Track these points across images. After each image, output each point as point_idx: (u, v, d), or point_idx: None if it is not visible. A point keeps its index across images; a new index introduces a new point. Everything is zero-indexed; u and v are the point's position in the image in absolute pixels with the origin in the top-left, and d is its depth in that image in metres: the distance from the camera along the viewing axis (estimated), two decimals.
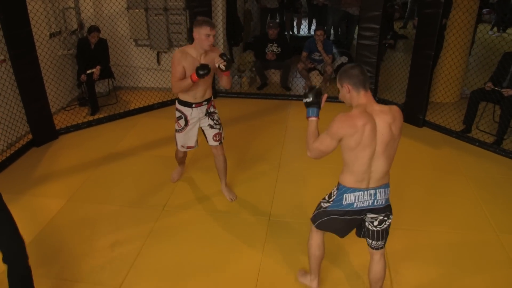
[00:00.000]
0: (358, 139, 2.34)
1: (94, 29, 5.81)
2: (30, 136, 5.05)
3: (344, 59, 7.14)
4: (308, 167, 4.52)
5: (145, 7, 6.30)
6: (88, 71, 5.80)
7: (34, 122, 4.96)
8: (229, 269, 3.18)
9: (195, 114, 3.66)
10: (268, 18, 9.11)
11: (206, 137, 3.82)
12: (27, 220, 3.80)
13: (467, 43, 5.79)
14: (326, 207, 2.61)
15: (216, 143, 3.79)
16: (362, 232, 2.68)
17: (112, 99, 6.43)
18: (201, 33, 3.28)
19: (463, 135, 5.16)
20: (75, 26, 6.26)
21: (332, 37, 8.91)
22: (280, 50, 6.93)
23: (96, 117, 5.81)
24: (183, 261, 3.25)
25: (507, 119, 4.82)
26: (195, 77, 3.31)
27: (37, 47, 4.87)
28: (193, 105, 3.62)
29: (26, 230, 3.62)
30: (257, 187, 4.20)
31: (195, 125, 3.73)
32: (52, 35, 5.75)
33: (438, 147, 5.00)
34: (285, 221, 3.71)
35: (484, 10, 11.18)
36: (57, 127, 5.30)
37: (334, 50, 7.30)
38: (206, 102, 3.68)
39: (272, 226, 3.64)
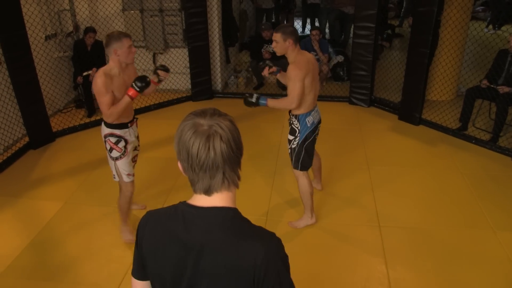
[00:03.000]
0: (311, 75, 3.23)
1: (90, 29, 5.80)
2: (27, 139, 5.04)
3: (340, 58, 7.15)
4: None
5: (140, 9, 6.30)
6: (85, 73, 5.79)
7: (31, 125, 4.95)
8: None
9: (132, 134, 3.28)
10: (264, 18, 9.11)
11: None
12: (24, 223, 3.80)
13: (462, 40, 5.80)
14: (298, 143, 3.40)
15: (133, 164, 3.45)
16: None
17: None
18: (124, 46, 2.96)
19: (460, 132, 5.18)
20: (71, 28, 6.25)
21: (327, 36, 8.92)
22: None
23: (92, 119, 5.80)
24: None
25: (503, 116, 4.84)
26: (134, 93, 3.00)
27: (32, 50, 4.87)
28: (129, 124, 3.24)
29: (23, 233, 3.63)
30: (255, 186, 4.20)
31: (132, 148, 3.34)
32: (47, 38, 5.74)
33: (435, 145, 5.02)
34: (282, 221, 3.72)
35: (479, 8, 11.21)
36: (54, 130, 5.30)
37: (330, 49, 7.30)
38: (135, 119, 3.36)
39: (270, 226, 3.64)
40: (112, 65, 3.05)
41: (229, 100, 6.60)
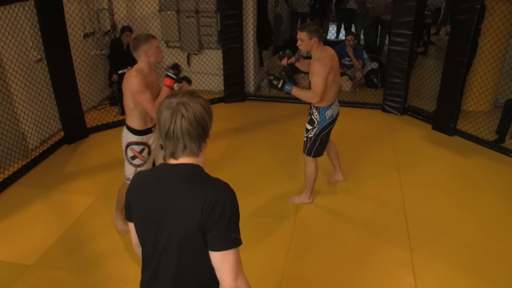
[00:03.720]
0: (334, 71, 3.44)
1: (126, 29, 5.92)
2: (62, 134, 5.18)
3: (374, 64, 7.06)
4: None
5: (177, 9, 6.38)
6: (120, 71, 5.90)
7: (66, 120, 5.08)
8: (253, 272, 3.17)
9: (155, 137, 3.36)
10: (299, 22, 9.09)
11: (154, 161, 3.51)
12: (56, 215, 3.90)
13: (502, 50, 5.63)
14: (315, 133, 3.60)
15: None
16: None
17: None
18: (153, 46, 3.06)
19: (496, 145, 5.02)
20: (108, 27, 6.39)
21: (362, 42, 8.82)
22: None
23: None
24: None
25: None
26: (171, 81, 3.10)
27: (71, 47, 5.00)
28: (153, 129, 3.31)
29: (55, 225, 3.72)
30: (284, 190, 4.19)
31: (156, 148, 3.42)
32: (86, 36, 5.89)
33: (469, 157, 4.88)
34: (310, 225, 3.69)
35: None
36: (88, 126, 5.42)
37: (365, 56, 7.21)
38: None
39: (298, 232, 3.62)
40: (142, 66, 3.12)
41: (261, 103, 6.60)
